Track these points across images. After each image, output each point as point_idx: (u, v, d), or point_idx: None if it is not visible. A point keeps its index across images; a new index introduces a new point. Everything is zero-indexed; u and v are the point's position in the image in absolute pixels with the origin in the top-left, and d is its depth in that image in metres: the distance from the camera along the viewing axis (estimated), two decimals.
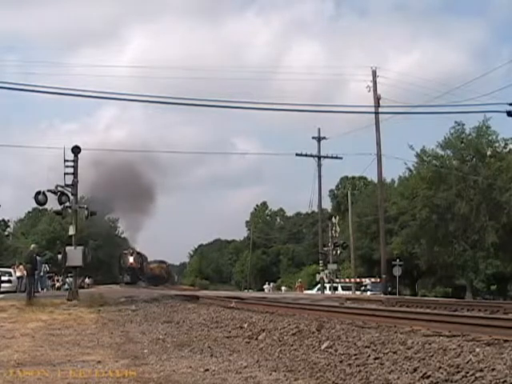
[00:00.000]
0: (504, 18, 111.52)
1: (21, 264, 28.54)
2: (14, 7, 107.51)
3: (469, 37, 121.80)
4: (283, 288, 55.53)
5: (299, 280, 54.30)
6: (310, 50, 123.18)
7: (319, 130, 38.91)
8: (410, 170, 46.02)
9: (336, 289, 40.83)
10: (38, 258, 22.24)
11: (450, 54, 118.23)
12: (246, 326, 9.44)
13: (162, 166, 59.17)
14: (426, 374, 5.02)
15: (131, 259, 55.01)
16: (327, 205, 69.01)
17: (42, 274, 27.70)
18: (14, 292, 25.18)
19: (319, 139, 38.70)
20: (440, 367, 5.12)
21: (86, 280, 48.80)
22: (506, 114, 17.65)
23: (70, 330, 10.10)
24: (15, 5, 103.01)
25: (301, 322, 9.05)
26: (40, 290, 27.82)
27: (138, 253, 57.34)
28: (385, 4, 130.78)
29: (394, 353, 5.93)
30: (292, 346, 7.25)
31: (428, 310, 13.21)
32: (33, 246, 23.53)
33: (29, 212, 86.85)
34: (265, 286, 58.29)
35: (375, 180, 41.91)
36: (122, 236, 75.32)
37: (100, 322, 11.70)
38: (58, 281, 41.45)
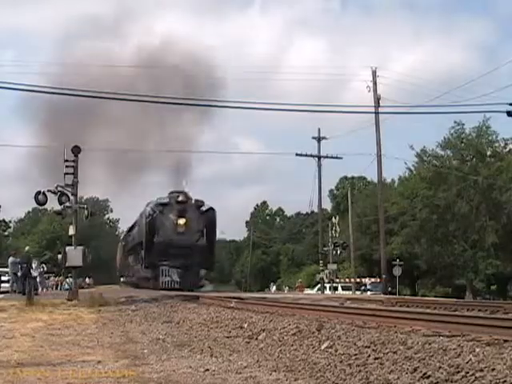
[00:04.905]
0: (509, 16, 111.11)
1: None
2: (14, 4, 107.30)
3: (474, 35, 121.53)
4: (286, 288, 55.57)
5: (299, 280, 54.32)
6: (312, 48, 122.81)
7: (319, 130, 39.00)
8: (410, 170, 46.22)
9: (336, 289, 40.87)
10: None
11: (454, 52, 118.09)
12: (246, 326, 9.43)
13: None
14: (425, 373, 5.02)
15: (181, 222, 25.15)
16: (327, 205, 69.15)
17: (35, 274, 27.81)
18: (14, 292, 25.21)
19: (319, 139, 38.74)
20: (440, 367, 5.12)
21: (87, 280, 48.98)
22: (506, 114, 17.66)
23: (70, 329, 10.09)
24: (15, 2, 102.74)
25: (301, 322, 9.04)
26: (39, 290, 27.94)
27: (200, 202, 26.39)
28: (389, 2, 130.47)
29: (394, 353, 5.92)
30: (292, 345, 7.24)
31: (428, 310, 13.20)
32: (27, 247, 24.22)
33: (29, 212, 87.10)
34: (274, 287, 58.50)
35: (375, 180, 41.98)
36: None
37: (100, 321, 11.70)
38: (55, 280, 41.71)
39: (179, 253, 24.39)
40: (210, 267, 26.84)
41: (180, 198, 25.16)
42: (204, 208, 26.21)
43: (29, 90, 16.86)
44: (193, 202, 25.94)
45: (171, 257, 24.55)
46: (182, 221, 24.97)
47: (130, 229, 34.89)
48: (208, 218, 26.07)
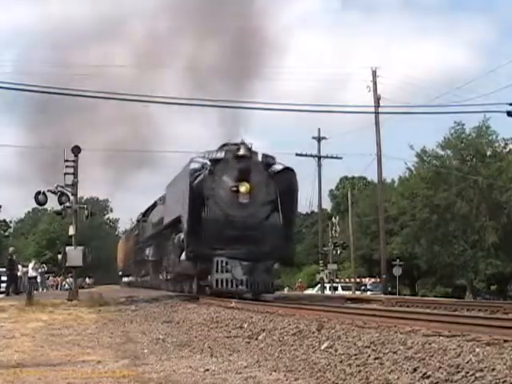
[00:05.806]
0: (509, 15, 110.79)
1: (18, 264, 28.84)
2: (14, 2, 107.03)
3: (475, 35, 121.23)
4: (285, 289, 55.52)
5: (299, 280, 54.30)
6: (312, 48, 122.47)
7: (319, 130, 39.02)
8: (410, 170, 46.20)
9: (336, 289, 40.90)
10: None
11: (455, 52, 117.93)
12: (246, 326, 9.43)
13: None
14: (425, 373, 5.01)
15: (243, 188, 16.43)
16: (327, 205, 69.09)
17: (35, 274, 27.99)
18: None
19: (319, 139, 38.77)
20: (440, 367, 5.12)
21: (87, 280, 49.04)
22: (506, 114, 17.68)
23: (70, 329, 10.10)
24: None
25: (301, 321, 9.04)
26: (39, 290, 28.07)
27: (270, 159, 17.69)
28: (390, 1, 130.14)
29: (394, 353, 5.92)
30: (292, 345, 7.24)
31: (428, 310, 13.21)
32: (11, 248, 24.86)
33: (29, 212, 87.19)
34: None
35: (375, 180, 41.99)
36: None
37: (100, 322, 11.70)
38: (54, 280, 41.86)
39: (242, 236, 16.06)
40: (288, 260, 17.87)
41: (241, 152, 16.34)
42: (277, 168, 17.56)
43: (28, 90, 16.84)
44: (259, 158, 17.19)
45: (229, 242, 16.06)
46: (244, 187, 16.30)
47: (148, 210, 26.81)
48: (283, 182, 17.16)
